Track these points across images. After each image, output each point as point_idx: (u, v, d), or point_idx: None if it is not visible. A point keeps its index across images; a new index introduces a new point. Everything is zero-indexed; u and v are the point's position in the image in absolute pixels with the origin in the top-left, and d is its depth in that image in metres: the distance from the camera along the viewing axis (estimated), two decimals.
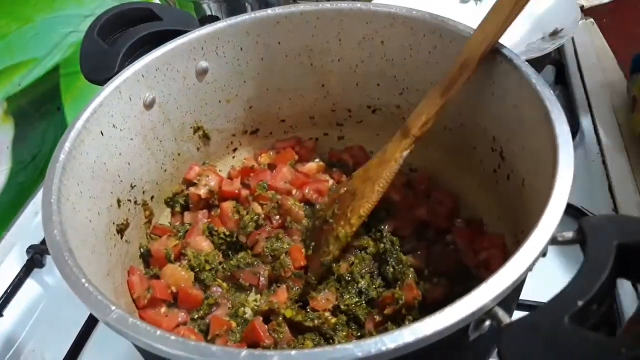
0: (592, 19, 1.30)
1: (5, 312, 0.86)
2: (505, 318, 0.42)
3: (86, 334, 0.78)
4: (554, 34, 1.08)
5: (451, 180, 0.83)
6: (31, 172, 1.05)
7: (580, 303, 0.39)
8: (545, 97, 0.58)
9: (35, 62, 1.03)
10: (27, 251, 0.92)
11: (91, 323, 0.79)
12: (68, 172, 0.58)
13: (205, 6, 1.20)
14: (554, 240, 0.47)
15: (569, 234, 0.47)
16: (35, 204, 1.05)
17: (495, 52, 0.66)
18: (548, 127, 0.56)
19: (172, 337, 0.41)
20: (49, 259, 0.92)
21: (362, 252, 0.76)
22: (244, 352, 0.39)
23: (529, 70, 0.62)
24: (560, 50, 1.22)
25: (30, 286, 0.90)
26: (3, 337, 0.83)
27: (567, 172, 0.50)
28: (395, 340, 0.39)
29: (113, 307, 0.44)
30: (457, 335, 0.43)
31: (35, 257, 0.91)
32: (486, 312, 0.42)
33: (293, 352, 0.39)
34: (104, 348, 0.78)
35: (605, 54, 1.20)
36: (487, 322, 0.44)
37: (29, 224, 1.01)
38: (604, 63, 1.18)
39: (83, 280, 0.46)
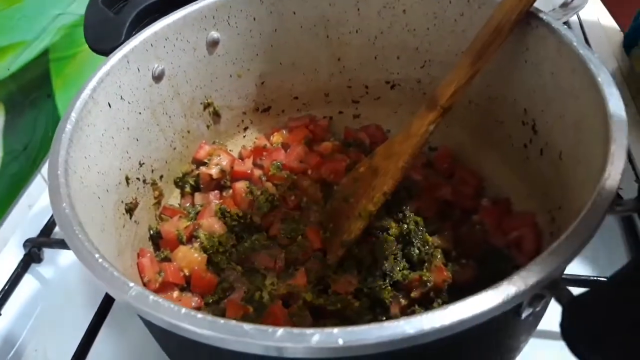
0: None
1: (3, 310, 0.80)
2: (567, 292, 0.38)
3: (94, 330, 0.71)
4: (565, 5, 1.05)
5: (475, 159, 0.79)
6: (23, 163, 1.00)
7: None
8: (590, 60, 0.54)
9: (24, 45, 0.98)
10: (25, 245, 0.86)
11: (98, 320, 0.72)
12: (75, 144, 0.54)
13: None
14: (609, 209, 0.43)
15: (629, 203, 0.43)
16: (28, 196, 0.99)
17: (529, 17, 0.62)
18: (594, 92, 0.52)
19: (200, 316, 0.37)
20: (47, 253, 0.87)
21: (384, 233, 0.72)
22: (281, 330, 0.35)
23: (569, 34, 0.58)
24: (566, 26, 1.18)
25: (28, 282, 0.84)
26: (3, 337, 0.77)
27: (621, 136, 0.46)
28: (451, 316, 0.35)
29: (131, 284, 0.39)
30: (511, 313, 0.39)
31: (33, 252, 0.85)
32: (547, 285, 0.38)
33: (335, 329, 0.35)
34: (113, 344, 0.73)
35: (612, 31, 1.16)
36: (544, 298, 0.40)
37: (23, 218, 0.96)
38: (612, 39, 1.14)
39: (97, 255, 0.42)
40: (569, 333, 0.36)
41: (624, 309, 0.34)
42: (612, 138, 0.46)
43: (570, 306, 0.37)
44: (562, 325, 0.36)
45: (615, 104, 0.48)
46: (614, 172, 0.43)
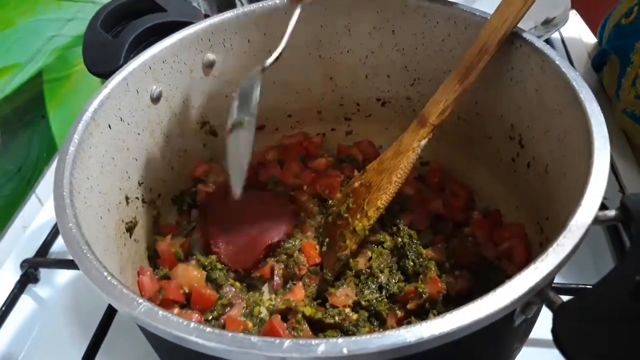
0: (574, 10, 1.29)
1: (1, 332, 0.79)
2: (557, 299, 0.40)
3: (94, 350, 0.70)
4: (546, 22, 1.08)
5: (465, 172, 0.81)
6: (17, 184, 1.00)
7: (638, 278, 0.37)
8: (572, 78, 0.56)
9: (19, 67, 0.99)
10: (22, 265, 0.86)
11: (97, 341, 0.71)
12: (78, 165, 0.55)
13: (194, 4, 1.18)
14: (594, 220, 0.46)
15: (611, 213, 0.46)
16: (23, 217, 0.99)
17: (513, 36, 0.64)
18: (576, 109, 0.54)
19: (208, 329, 0.38)
20: (43, 273, 0.87)
21: (379, 246, 0.73)
22: (288, 341, 0.37)
23: (551, 53, 0.61)
24: (548, 43, 1.21)
25: (25, 303, 0.83)
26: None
27: (604, 151, 0.48)
28: (448, 324, 0.37)
29: (140, 300, 0.41)
30: (504, 320, 0.41)
31: (30, 272, 0.85)
32: (538, 293, 0.40)
33: (340, 340, 0.37)
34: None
35: (593, 47, 1.20)
36: (535, 305, 0.42)
37: (18, 238, 0.95)
38: (593, 55, 1.18)
39: (105, 273, 0.43)
40: (560, 338, 0.38)
41: (609, 313, 0.37)
42: (594, 153, 0.48)
43: (560, 312, 0.39)
44: (553, 330, 0.38)
45: (597, 120, 0.51)
46: (597, 186, 0.45)
